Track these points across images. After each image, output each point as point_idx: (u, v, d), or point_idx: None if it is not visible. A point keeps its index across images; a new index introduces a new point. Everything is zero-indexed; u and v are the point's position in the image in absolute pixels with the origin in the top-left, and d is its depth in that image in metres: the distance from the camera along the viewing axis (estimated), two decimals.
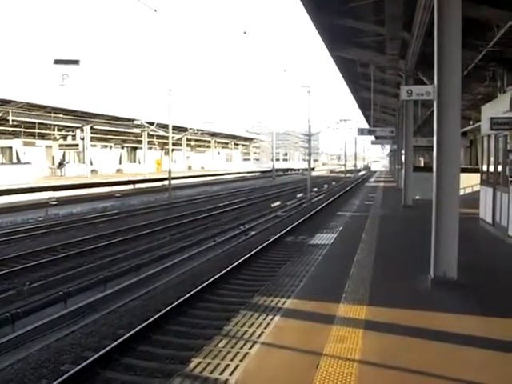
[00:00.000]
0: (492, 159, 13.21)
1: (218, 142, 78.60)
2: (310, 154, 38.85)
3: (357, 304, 6.62)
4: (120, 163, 59.51)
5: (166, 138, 40.81)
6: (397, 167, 36.94)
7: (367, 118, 45.34)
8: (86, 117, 43.87)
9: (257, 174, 79.42)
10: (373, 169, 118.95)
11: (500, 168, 12.34)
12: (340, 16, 14.75)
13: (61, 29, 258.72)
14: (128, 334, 7.82)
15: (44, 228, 19.56)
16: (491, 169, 13.35)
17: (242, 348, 5.19)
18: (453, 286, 7.32)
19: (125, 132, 52.20)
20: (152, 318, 8.57)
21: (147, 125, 43.02)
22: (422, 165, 37.18)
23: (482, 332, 5.64)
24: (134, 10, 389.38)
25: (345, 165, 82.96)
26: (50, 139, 44.84)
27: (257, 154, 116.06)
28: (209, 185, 48.87)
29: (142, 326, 8.21)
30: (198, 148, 74.84)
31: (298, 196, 35.13)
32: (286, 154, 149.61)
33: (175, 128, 45.71)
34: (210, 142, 73.57)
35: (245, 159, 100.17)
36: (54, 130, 43.29)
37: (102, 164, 53.37)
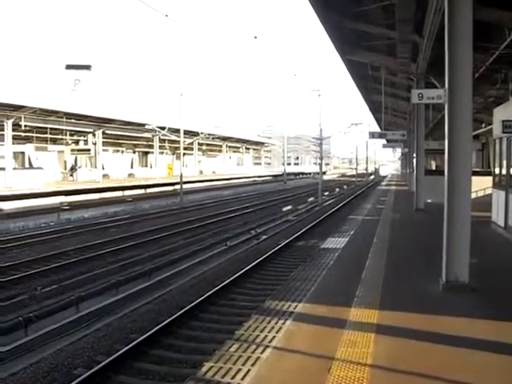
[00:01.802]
0: (504, 162, 13.14)
1: (230, 147, 78.65)
2: (321, 158, 38.87)
3: (368, 308, 6.60)
4: (132, 168, 59.71)
5: (178, 142, 41.02)
6: (408, 170, 36.79)
7: (378, 121, 45.22)
8: (98, 122, 44.10)
9: (268, 178, 79.35)
10: (382, 173, 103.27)
11: None
12: (350, 19, 14.78)
13: (72, 34, 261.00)
14: (140, 338, 7.86)
15: (56, 233, 19.65)
16: (503, 172, 13.28)
17: (253, 352, 5.19)
18: (464, 289, 7.28)
19: (136, 137, 52.39)
20: (164, 322, 8.60)
21: (158, 129, 43.23)
22: (434, 168, 36.99)
23: (494, 336, 5.60)
24: (145, 15, 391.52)
25: (356, 169, 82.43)
26: (62, 144, 45.08)
27: (268, 158, 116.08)
28: (220, 189, 48.87)
29: (155, 330, 8.23)
30: (209, 152, 74.98)
31: (310, 200, 35.05)
32: (298, 158, 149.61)
33: (186, 132, 45.84)
34: (221, 146, 73.67)
35: (256, 163, 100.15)
36: (65, 135, 43.51)
37: (113, 169, 53.61)
